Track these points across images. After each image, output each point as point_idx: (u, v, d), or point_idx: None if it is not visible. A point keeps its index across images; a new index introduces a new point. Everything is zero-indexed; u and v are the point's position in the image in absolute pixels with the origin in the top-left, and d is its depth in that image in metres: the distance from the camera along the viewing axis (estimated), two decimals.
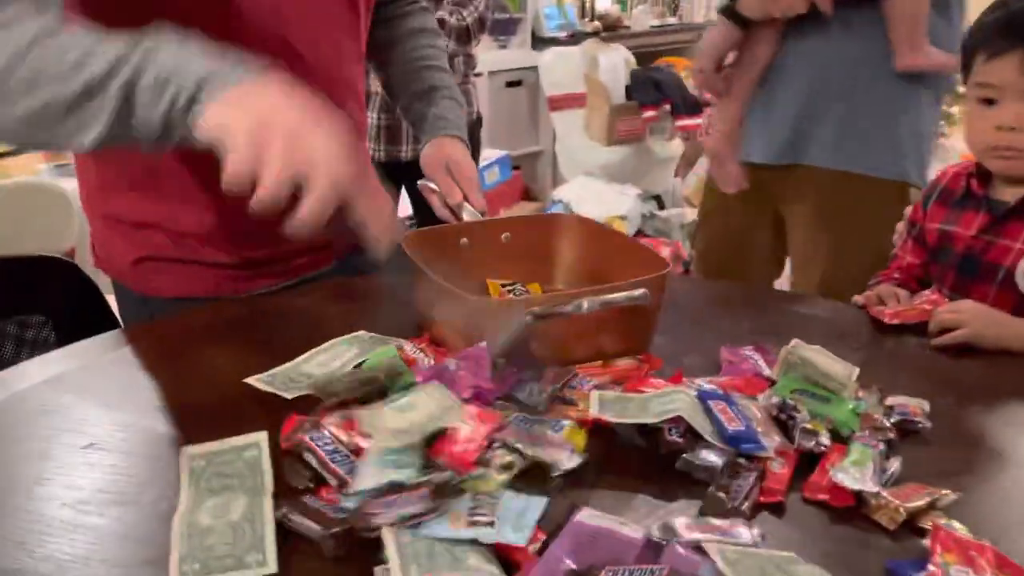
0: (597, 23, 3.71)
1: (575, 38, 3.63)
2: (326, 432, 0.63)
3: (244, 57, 0.67)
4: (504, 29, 3.59)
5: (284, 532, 0.55)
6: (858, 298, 0.98)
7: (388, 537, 0.53)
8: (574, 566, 0.51)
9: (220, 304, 0.96)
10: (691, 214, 2.96)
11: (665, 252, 2.86)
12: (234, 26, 0.83)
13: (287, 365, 0.78)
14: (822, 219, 1.41)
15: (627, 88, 3.27)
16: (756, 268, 1.55)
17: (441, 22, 1.89)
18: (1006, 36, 0.93)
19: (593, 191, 3.11)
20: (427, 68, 1.12)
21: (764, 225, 1.52)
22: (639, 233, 3.05)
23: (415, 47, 1.13)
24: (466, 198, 0.99)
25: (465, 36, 2.00)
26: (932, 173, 1.18)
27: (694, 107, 3.04)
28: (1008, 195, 0.96)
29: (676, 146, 3.32)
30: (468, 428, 0.62)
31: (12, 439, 0.69)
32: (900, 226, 1.12)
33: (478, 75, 2.54)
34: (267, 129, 0.62)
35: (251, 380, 0.75)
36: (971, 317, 0.87)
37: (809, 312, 0.99)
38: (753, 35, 1.40)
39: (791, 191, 1.44)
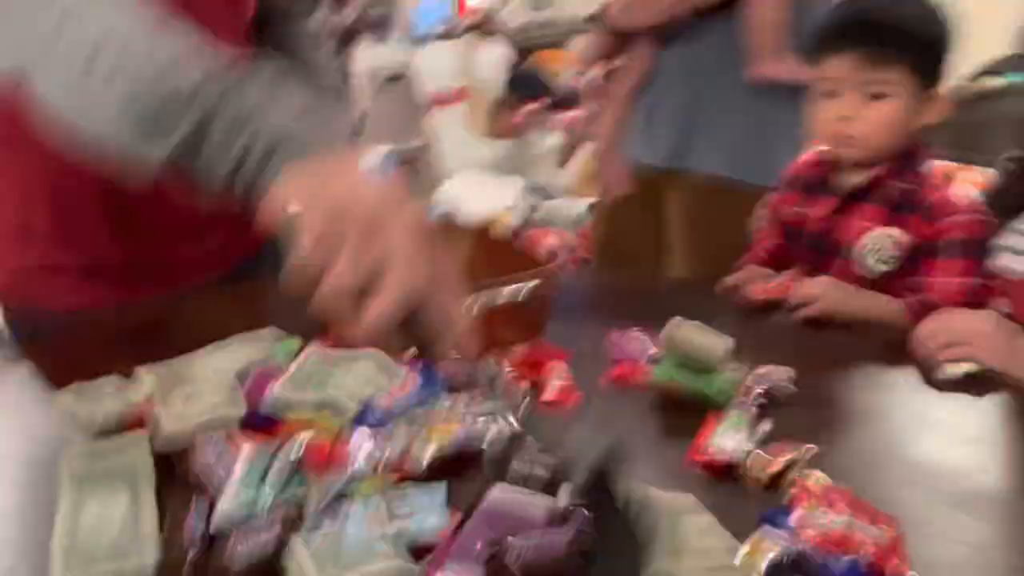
0: (466, 20, 3.76)
1: (450, 35, 3.67)
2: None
3: (332, 114, 0.63)
4: (377, 25, 3.59)
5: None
6: (727, 280, 1.07)
7: (297, 543, 0.56)
8: (486, 541, 0.56)
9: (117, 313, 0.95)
10: (577, 204, 3.05)
11: (553, 241, 2.95)
12: None
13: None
14: (700, 219, 1.47)
15: (508, 83, 3.34)
16: (646, 258, 1.61)
17: None
18: (842, 36, 1.03)
19: (477, 185, 3.16)
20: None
21: (650, 222, 1.57)
22: (526, 223, 3.12)
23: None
24: None
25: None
26: None
27: (573, 100, 3.14)
28: (852, 180, 1.07)
29: (557, 138, 3.41)
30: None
31: None
32: (760, 212, 1.22)
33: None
34: (343, 220, 0.54)
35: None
36: (824, 291, 0.97)
37: (688, 297, 1.07)
38: (634, 42, 1.46)
39: (674, 192, 1.51)
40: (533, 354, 0.83)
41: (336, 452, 0.64)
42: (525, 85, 3.30)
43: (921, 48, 1.01)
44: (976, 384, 0.83)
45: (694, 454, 0.69)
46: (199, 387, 0.75)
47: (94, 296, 0.95)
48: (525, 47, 3.89)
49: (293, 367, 0.78)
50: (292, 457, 0.63)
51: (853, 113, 1.02)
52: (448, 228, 1.06)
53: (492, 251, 0.98)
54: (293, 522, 0.57)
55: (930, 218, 1.01)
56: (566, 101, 3.24)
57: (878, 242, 1.01)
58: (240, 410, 0.72)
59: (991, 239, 0.99)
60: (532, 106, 3.34)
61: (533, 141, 3.42)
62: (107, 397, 0.73)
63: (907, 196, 1.03)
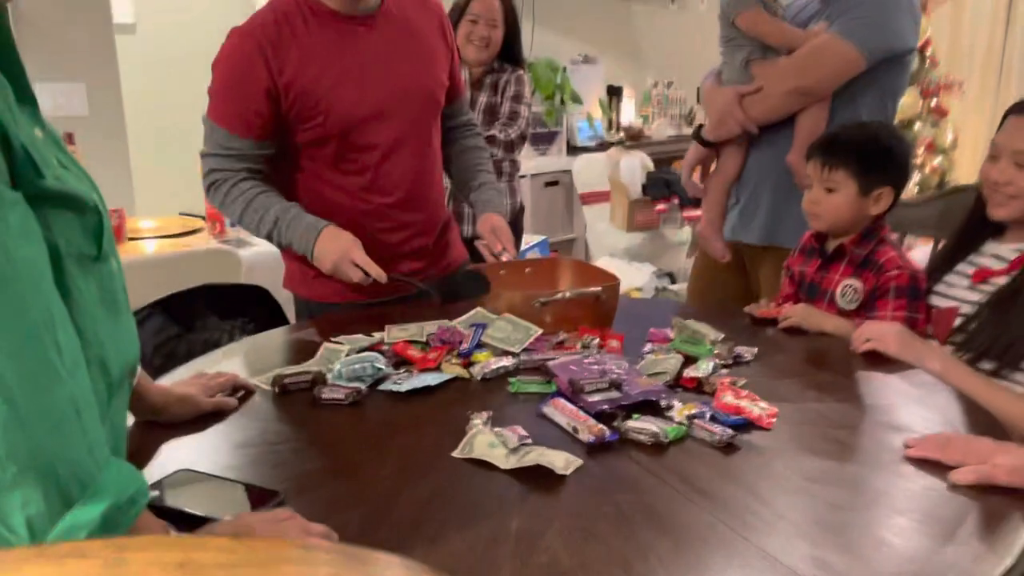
0: (622, 134, 4.48)
1: (603, 146, 4.39)
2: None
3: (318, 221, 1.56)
4: (544, 140, 4.37)
5: None
6: (747, 308, 1.62)
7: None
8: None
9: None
10: None
11: None
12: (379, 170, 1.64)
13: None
14: (773, 279, 1.90)
15: (643, 186, 3.99)
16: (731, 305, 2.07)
17: (492, 138, 2.61)
18: (813, 149, 1.59)
19: (616, 269, 3.79)
20: (478, 171, 1.83)
21: (736, 280, 2.06)
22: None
23: (470, 158, 1.84)
24: (504, 248, 1.68)
25: (510, 147, 2.71)
26: None
27: (698, 201, 3.70)
28: (830, 246, 1.60)
29: (686, 233, 4.00)
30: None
31: None
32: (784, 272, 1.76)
33: (523, 176, 3.27)
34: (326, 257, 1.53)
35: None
36: (797, 311, 1.51)
37: (718, 315, 1.63)
38: (722, 151, 2.01)
39: (764, 261, 1.97)
40: (601, 333, 1.43)
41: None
42: (658, 188, 3.94)
43: (859, 160, 1.54)
44: (882, 363, 1.34)
45: (682, 380, 1.26)
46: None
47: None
48: (664, 157, 4.56)
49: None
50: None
51: (818, 199, 1.57)
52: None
53: (592, 274, 1.60)
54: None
55: (878, 272, 1.52)
56: (694, 201, 3.83)
57: (846, 289, 1.54)
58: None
59: (919, 286, 1.49)
60: (663, 206, 3.96)
61: (665, 234, 4.03)
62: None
63: (866, 258, 1.55)
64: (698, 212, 2.21)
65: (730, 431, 1.07)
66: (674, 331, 1.42)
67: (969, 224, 1.50)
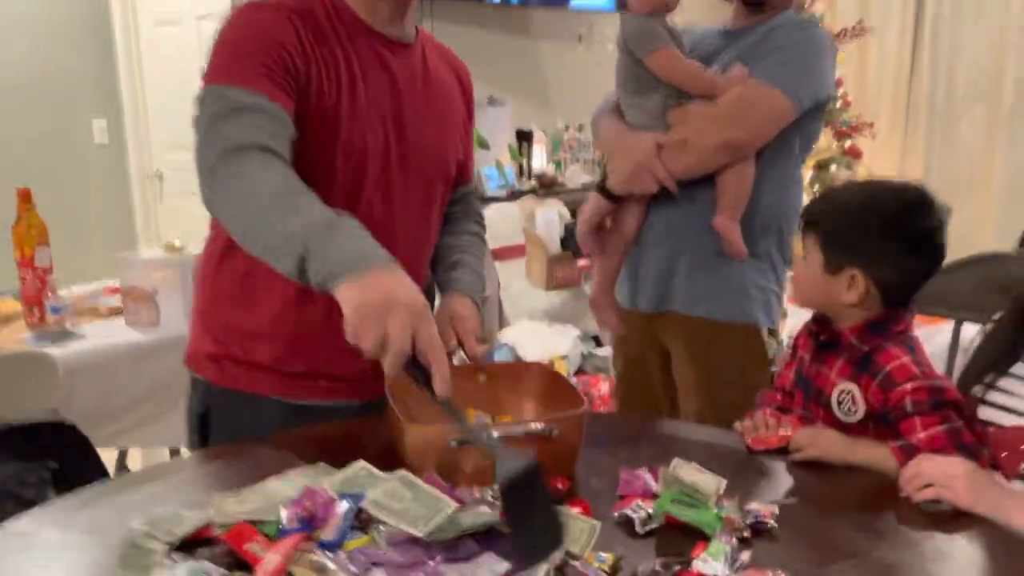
0: (534, 181, 4.10)
1: (514, 195, 3.99)
2: None
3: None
4: None
5: None
6: (737, 425, 1.21)
7: None
8: None
9: None
10: None
11: (604, 388, 3.09)
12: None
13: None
14: (691, 358, 1.67)
15: (562, 240, 3.61)
16: (658, 396, 1.79)
17: None
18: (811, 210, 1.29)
19: (535, 332, 3.37)
20: (460, 251, 1.38)
21: (656, 362, 1.76)
22: (580, 371, 3.28)
23: (457, 240, 1.40)
24: (462, 345, 1.22)
25: None
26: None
27: None
28: (823, 332, 1.24)
29: None
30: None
31: None
32: (781, 356, 1.38)
33: None
34: (369, 307, 0.92)
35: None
36: (812, 441, 1.11)
37: (694, 437, 1.22)
38: (624, 206, 1.68)
39: (668, 333, 1.71)
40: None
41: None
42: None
43: (827, 227, 1.23)
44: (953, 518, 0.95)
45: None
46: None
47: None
48: (580, 205, 4.21)
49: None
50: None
51: (796, 266, 1.29)
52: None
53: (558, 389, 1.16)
54: None
55: (885, 383, 1.15)
56: None
57: (842, 395, 1.17)
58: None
59: (944, 398, 1.12)
60: (586, 261, 3.58)
61: (587, 292, 3.65)
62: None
63: (867, 357, 1.18)
64: None
65: None
66: (660, 484, 0.98)
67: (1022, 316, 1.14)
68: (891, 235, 1.19)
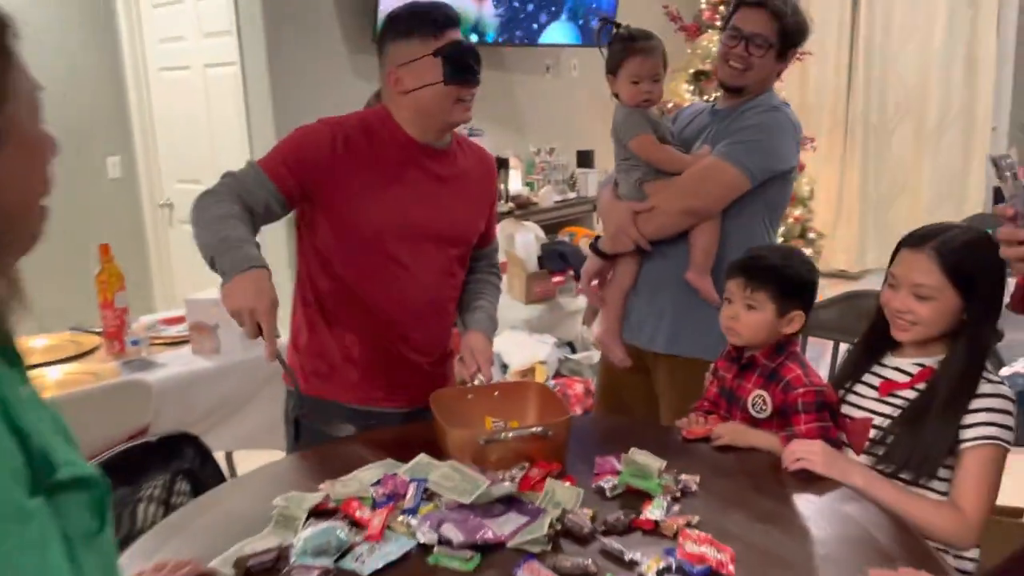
0: (511, 204, 4.58)
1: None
2: None
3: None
4: None
5: None
6: (677, 422, 1.70)
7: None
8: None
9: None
10: (597, 355, 3.69)
11: (579, 388, 3.58)
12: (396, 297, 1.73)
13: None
14: (671, 383, 2.07)
15: (539, 258, 4.10)
16: (637, 406, 2.20)
17: None
18: (736, 268, 1.69)
19: (518, 341, 3.85)
20: (480, 296, 1.90)
21: (640, 381, 2.17)
22: (557, 374, 3.77)
23: (478, 287, 1.91)
24: (479, 370, 1.73)
25: None
26: None
27: None
28: (743, 356, 1.71)
29: (581, 301, 4.12)
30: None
31: None
32: (708, 373, 1.86)
33: None
34: (229, 289, 1.47)
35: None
36: (727, 431, 1.60)
37: (646, 434, 1.70)
38: (619, 261, 2.10)
39: (660, 367, 2.10)
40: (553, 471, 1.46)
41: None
42: (554, 261, 4.05)
43: (779, 283, 1.65)
44: (810, 482, 1.44)
45: (637, 521, 1.31)
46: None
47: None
48: (553, 223, 4.69)
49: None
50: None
51: (737, 315, 1.67)
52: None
53: (552, 402, 1.64)
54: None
55: (785, 389, 1.63)
56: None
57: (756, 399, 1.65)
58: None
59: (825, 400, 1.61)
60: (559, 277, 4.07)
61: (562, 304, 4.14)
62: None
63: (774, 371, 1.66)
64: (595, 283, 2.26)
65: None
66: (622, 464, 1.47)
67: (871, 338, 1.64)
68: (813, 287, 1.68)
